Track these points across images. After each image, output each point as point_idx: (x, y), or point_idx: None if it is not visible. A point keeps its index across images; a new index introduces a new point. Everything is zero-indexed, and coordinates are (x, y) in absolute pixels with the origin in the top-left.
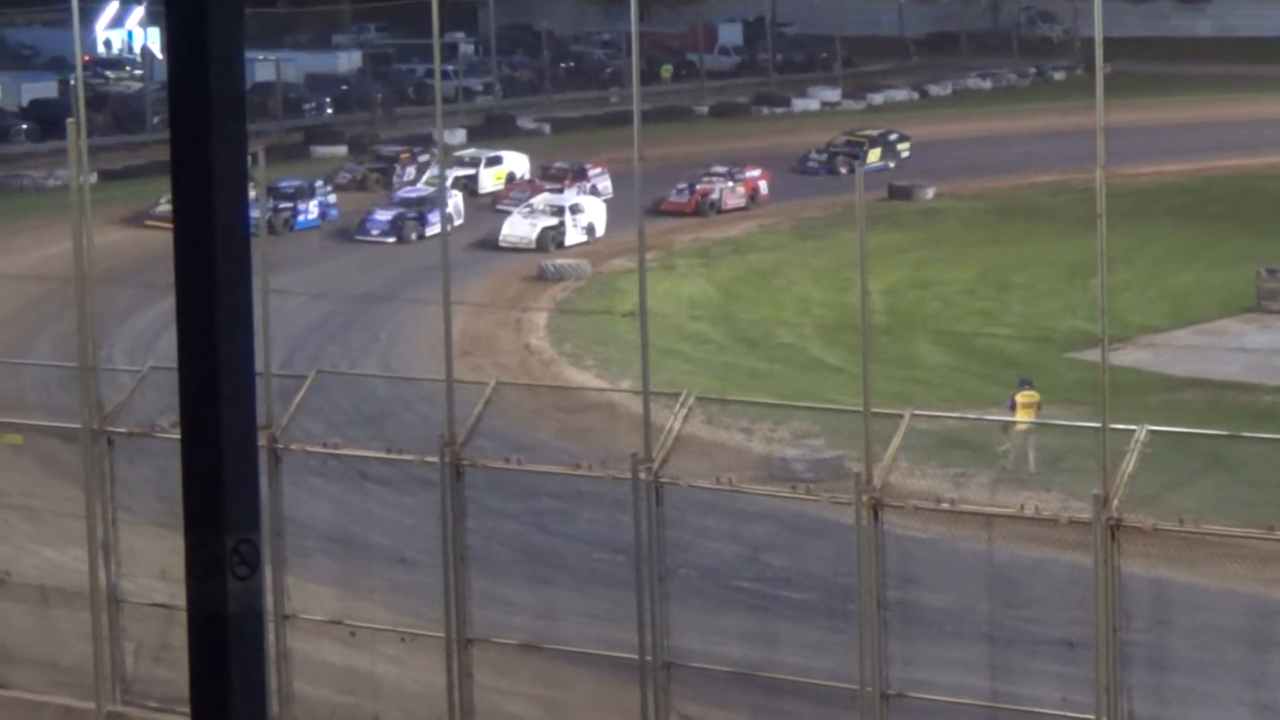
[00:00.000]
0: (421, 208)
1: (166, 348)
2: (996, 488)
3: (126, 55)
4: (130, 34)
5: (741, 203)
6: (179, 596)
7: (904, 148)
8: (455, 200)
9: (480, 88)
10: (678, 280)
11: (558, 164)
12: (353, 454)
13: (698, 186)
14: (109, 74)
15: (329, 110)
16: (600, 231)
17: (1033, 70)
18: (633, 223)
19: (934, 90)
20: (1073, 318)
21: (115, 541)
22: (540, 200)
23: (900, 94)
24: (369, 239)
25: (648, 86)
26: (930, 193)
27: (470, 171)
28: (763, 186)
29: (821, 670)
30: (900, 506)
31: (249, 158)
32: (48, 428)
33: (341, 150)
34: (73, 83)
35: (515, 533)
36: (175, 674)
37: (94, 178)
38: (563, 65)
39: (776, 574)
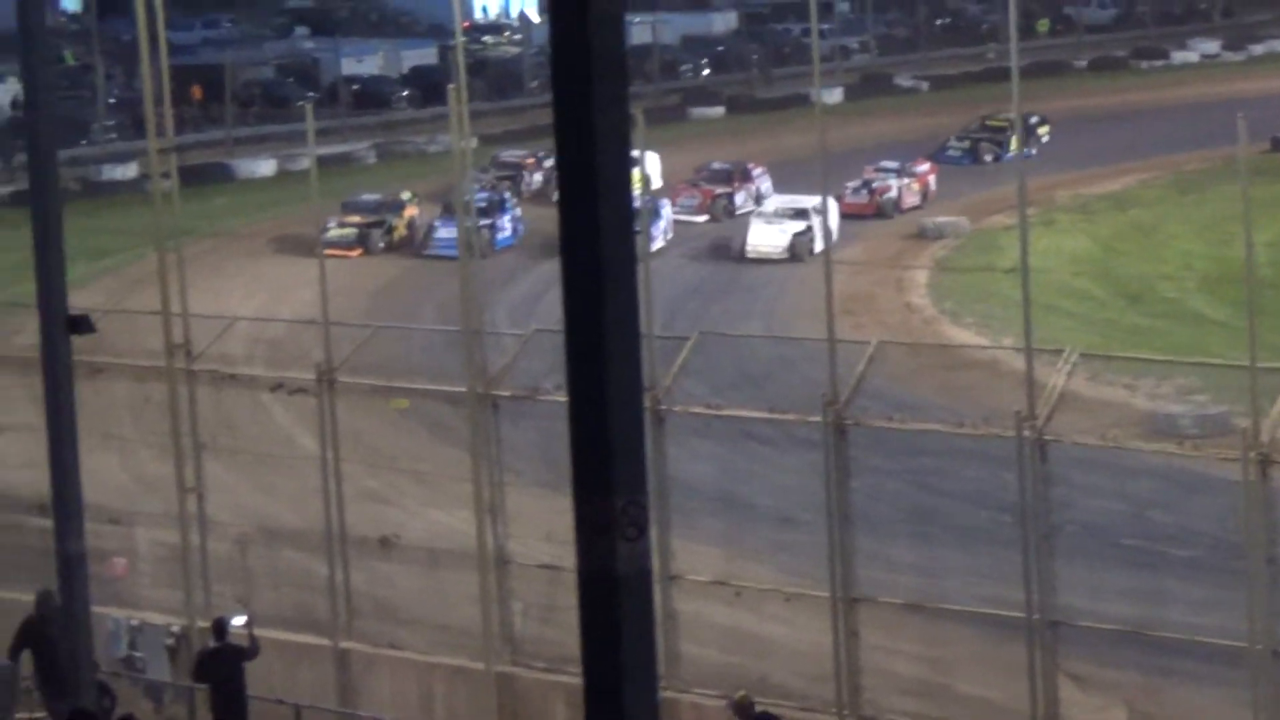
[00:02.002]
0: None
1: (548, 310)
2: None
3: (504, 20)
4: None
5: (917, 200)
6: (565, 558)
7: (1044, 131)
8: (666, 210)
9: (856, 46)
10: (1058, 236)
11: (715, 164)
12: (735, 414)
13: (874, 185)
14: (487, 39)
15: (705, 71)
16: (835, 235)
17: None
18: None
19: None
20: None
21: (501, 504)
22: (773, 204)
23: None
24: None
25: (1024, 41)
26: None
27: None
28: (932, 181)
29: (1210, 628)
30: None
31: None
32: (434, 392)
33: (719, 112)
34: (452, 48)
35: (898, 491)
36: (563, 635)
37: (474, 142)
38: (939, 22)
39: (1162, 531)
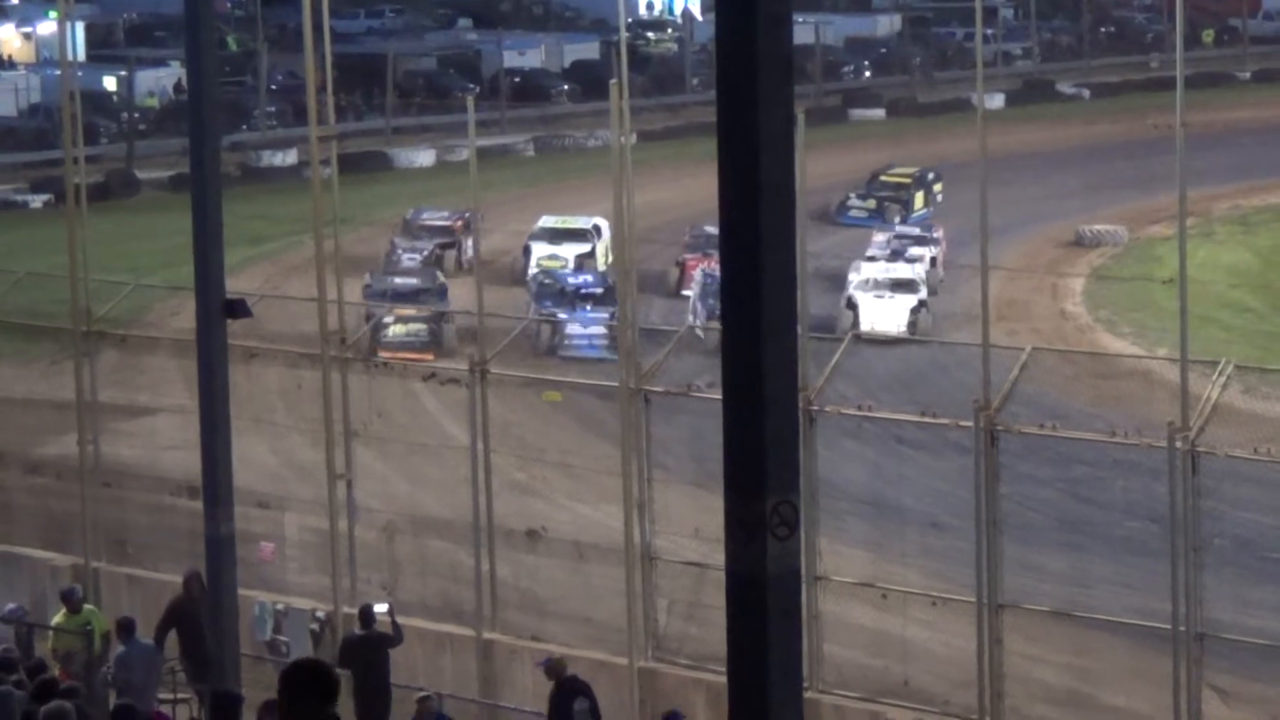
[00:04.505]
0: None
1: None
2: None
3: (667, 17)
4: None
5: (942, 274)
6: (711, 555)
7: (939, 189)
8: None
9: (1019, 52)
10: (1216, 247)
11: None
12: (887, 417)
13: (907, 255)
14: (650, 35)
15: (867, 73)
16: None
17: None
18: None
19: None
20: None
21: (650, 499)
22: (867, 273)
23: None
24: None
25: (1188, 51)
26: None
27: (584, 248)
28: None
29: None
30: None
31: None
32: (586, 385)
33: (880, 114)
34: (615, 44)
35: (1048, 499)
36: (707, 632)
37: (633, 138)
38: (1103, 30)
39: None
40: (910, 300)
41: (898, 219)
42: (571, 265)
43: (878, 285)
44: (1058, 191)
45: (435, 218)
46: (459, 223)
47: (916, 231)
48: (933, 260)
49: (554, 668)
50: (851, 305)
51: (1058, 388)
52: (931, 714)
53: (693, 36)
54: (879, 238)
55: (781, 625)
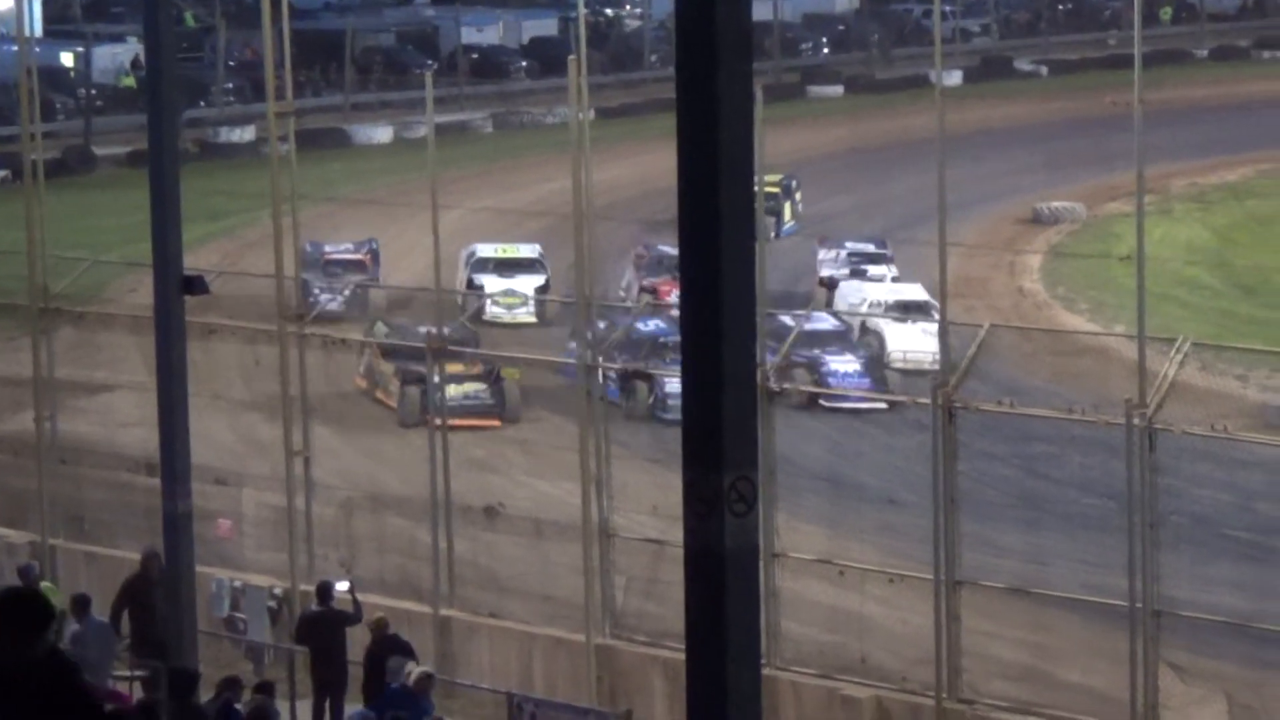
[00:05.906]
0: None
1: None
2: None
3: None
4: None
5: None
6: (669, 532)
7: (799, 196)
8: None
9: (977, 29)
10: (1174, 225)
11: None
12: (844, 394)
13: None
14: (609, 12)
15: (825, 50)
16: None
17: None
18: None
19: None
20: None
21: (608, 476)
22: (877, 295)
23: None
24: None
25: (1146, 29)
26: None
27: (539, 280)
28: None
29: None
30: None
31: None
32: (544, 362)
33: (838, 91)
34: (573, 20)
35: (1006, 476)
36: (664, 609)
37: (592, 115)
38: (1061, 7)
39: (1270, 523)
40: (930, 325)
41: (772, 234)
42: (532, 300)
43: (888, 309)
44: (1016, 168)
45: (336, 251)
46: (367, 254)
47: (871, 248)
48: (894, 279)
49: (375, 625)
50: (866, 330)
51: (1015, 364)
52: (889, 690)
53: (651, 12)
54: (824, 255)
55: (739, 601)
